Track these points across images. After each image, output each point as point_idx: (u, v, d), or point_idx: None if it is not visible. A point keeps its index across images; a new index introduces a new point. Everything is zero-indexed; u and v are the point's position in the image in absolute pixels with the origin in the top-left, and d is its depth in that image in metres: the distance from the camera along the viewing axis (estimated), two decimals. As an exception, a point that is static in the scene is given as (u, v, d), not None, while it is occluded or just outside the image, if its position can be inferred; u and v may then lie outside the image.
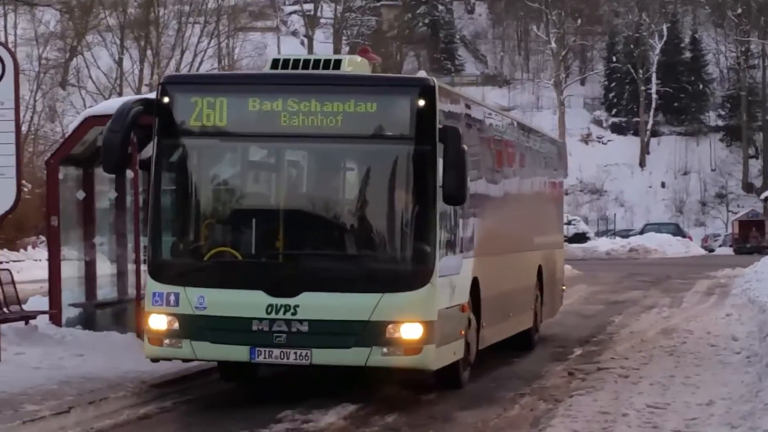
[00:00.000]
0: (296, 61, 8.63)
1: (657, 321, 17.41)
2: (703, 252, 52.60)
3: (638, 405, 8.64)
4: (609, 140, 78.13)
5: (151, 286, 7.96)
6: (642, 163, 75.76)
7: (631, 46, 76.99)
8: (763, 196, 69.69)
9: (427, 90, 7.77)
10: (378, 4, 75.93)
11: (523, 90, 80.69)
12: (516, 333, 12.03)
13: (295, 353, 7.60)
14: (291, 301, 7.48)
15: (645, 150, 75.53)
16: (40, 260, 23.31)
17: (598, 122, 79.04)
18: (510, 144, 12.00)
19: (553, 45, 74.97)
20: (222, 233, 8.31)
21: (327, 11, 74.31)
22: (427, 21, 78.49)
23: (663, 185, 75.14)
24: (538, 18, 77.33)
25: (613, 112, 78.81)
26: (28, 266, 22.39)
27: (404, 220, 7.90)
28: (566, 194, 69.18)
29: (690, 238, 55.05)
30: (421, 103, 7.63)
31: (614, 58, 78.53)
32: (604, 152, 75.46)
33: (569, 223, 52.34)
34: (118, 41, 52.77)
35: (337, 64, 8.56)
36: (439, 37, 78.81)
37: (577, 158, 71.77)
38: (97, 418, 7.69)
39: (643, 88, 74.63)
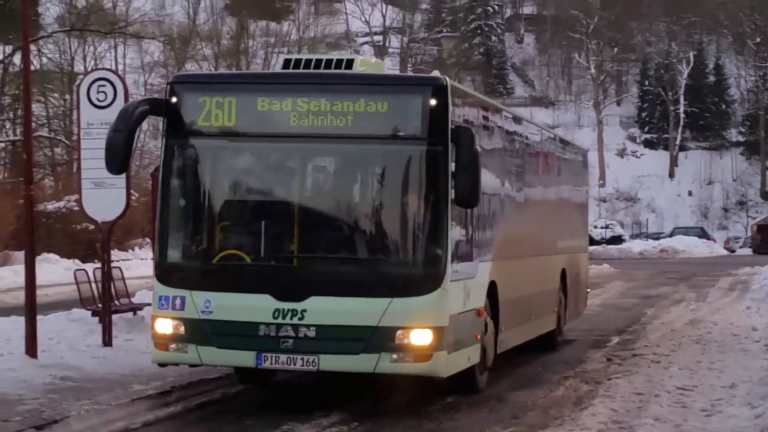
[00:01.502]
0: (308, 61, 7.16)
1: (685, 313, 16.36)
2: (725, 252, 49.69)
3: (669, 387, 8.18)
4: (642, 154, 75.60)
5: (157, 289, 6.58)
6: (671, 174, 73.37)
7: (662, 71, 74.63)
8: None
9: (439, 89, 6.34)
10: (439, 35, 75.61)
11: (566, 110, 79.49)
12: (539, 335, 10.29)
13: (302, 359, 6.23)
14: (298, 306, 6.16)
15: (674, 163, 73.15)
16: (146, 259, 23.22)
17: (632, 138, 77.13)
18: (531, 147, 10.16)
19: (593, 70, 73.39)
20: (229, 236, 6.84)
21: (394, 42, 74.38)
22: (481, 50, 77.65)
23: (690, 194, 72.15)
24: (580, 47, 76.16)
25: (646, 129, 76.39)
26: (136, 264, 22.25)
27: (415, 223, 6.42)
28: (604, 202, 69.56)
29: (714, 240, 52.28)
30: (433, 102, 6.24)
31: (647, 82, 76.30)
32: (638, 165, 73.79)
33: (607, 227, 50.02)
34: (212, 69, 53.18)
35: (350, 63, 7.03)
36: (492, 64, 77.94)
37: (613, 170, 71.80)
38: (196, 396, 7.35)
39: (672, 108, 71.90)
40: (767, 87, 74.31)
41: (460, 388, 7.27)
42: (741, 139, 75.80)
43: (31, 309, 8.29)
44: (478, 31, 79.14)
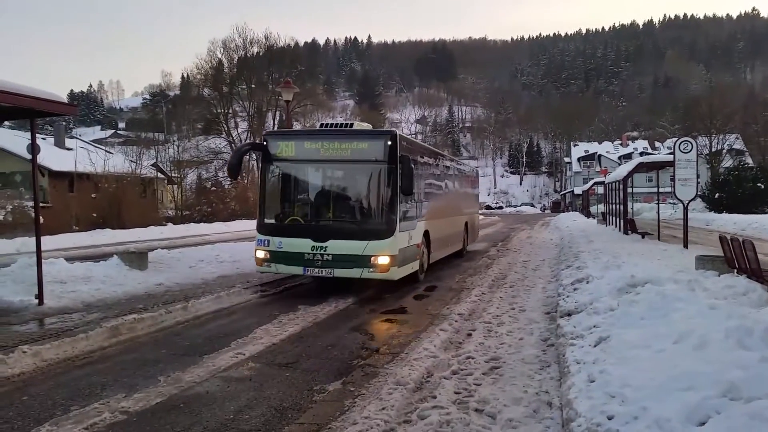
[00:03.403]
0: (331, 124, 12.18)
1: (525, 234, 29.19)
2: (540, 212, 70.88)
3: (521, 260, 17.51)
4: (509, 176, 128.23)
5: (258, 236, 11.18)
6: (521, 183, 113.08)
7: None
8: None
9: (393, 136, 10.82)
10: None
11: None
12: (455, 252, 17.28)
13: (326, 271, 10.60)
14: (323, 244, 10.57)
15: (522, 178, 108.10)
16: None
17: (506, 170, 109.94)
18: (447, 167, 16.60)
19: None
20: (291, 209, 11.45)
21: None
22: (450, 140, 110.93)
23: (527, 190, 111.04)
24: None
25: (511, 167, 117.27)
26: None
27: (382, 204, 10.87)
28: (495, 194, 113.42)
29: (536, 207, 77.43)
30: (390, 143, 10.64)
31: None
32: (507, 180, 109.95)
33: (497, 204, 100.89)
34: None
35: (351, 125, 11.80)
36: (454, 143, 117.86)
37: (500, 181, 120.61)
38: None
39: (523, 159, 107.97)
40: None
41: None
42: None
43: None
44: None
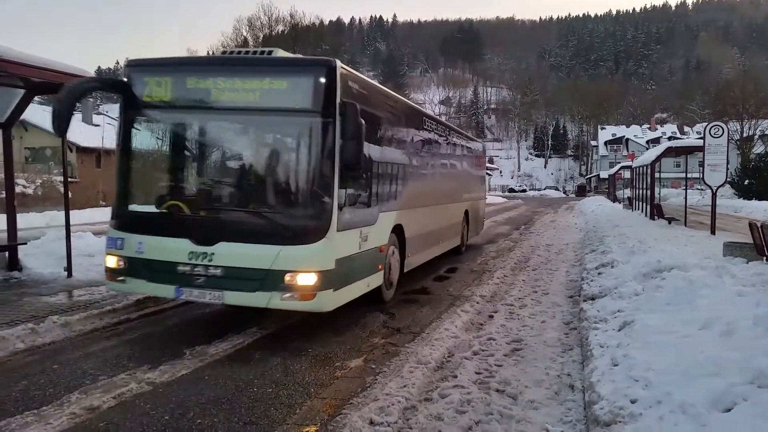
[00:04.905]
0: (238, 51, 7.60)
1: (549, 217, 29.38)
2: (564, 195, 70.77)
3: (542, 243, 17.37)
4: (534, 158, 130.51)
5: (108, 233, 7.05)
6: (545, 167, 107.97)
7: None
8: None
9: (329, 70, 6.50)
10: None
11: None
12: (448, 249, 13.27)
13: (211, 294, 6.47)
14: (208, 249, 6.43)
15: (546, 162, 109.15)
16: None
17: (530, 153, 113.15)
18: (433, 134, 11.60)
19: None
20: (157, 191, 7.21)
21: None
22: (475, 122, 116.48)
23: (552, 174, 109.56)
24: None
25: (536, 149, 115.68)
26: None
27: (305, 183, 6.65)
28: (519, 176, 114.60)
29: (560, 190, 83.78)
30: (323, 80, 6.44)
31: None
32: (532, 163, 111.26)
33: (522, 187, 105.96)
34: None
35: (270, 53, 7.10)
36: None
37: (524, 164, 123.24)
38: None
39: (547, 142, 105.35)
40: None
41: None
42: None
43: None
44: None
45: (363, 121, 6.51)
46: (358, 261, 7.24)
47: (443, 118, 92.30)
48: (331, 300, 6.55)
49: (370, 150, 7.52)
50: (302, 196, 6.63)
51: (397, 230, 8.88)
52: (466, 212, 15.10)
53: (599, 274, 9.85)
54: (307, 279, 6.27)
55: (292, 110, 6.52)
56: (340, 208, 6.57)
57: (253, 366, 5.69)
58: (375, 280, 7.91)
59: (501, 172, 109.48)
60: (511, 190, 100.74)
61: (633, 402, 4.00)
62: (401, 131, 9.34)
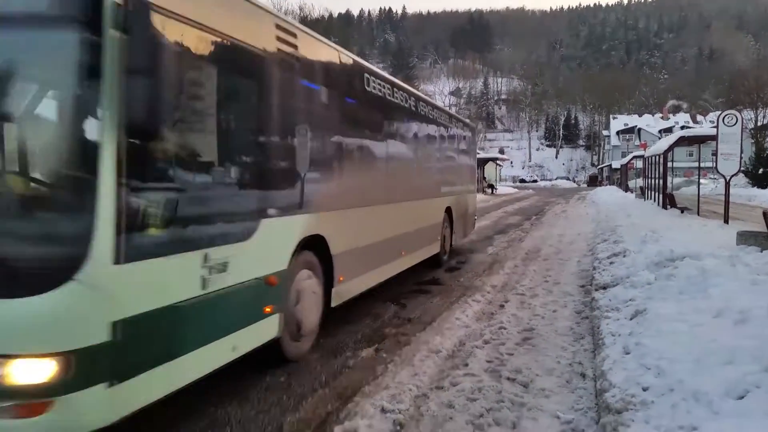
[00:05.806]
0: None
1: (561, 207, 29.32)
2: (575, 186, 69.29)
3: (553, 234, 17.34)
4: (545, 149, 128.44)
5: None
6: (557, 157, 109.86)
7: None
8: None
9: None
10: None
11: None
12: (420, 260, 9.73)
13: None
14: None
15: (558, 151, 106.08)
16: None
17: (541, 143, 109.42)
18: (391, 100, 8.19)
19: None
20: None
21: None
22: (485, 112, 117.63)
23: (563, 164, 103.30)
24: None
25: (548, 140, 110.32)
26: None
27: (35, 169, 3.34)
28: (530, 167, 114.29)
29: (572, 180, 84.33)
30: None
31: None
32: (542, 153, 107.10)
33: (533, 178, 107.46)
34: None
35: None
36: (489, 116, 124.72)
37: (534, 155, 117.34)
38: None
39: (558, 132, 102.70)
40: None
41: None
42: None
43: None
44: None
45: (167, 42, 3.44)
46: (199, 312, 3.93)
47: (453, 110, 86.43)
48: (105, 405, 3.21)
49: (238, 107, 4.51)
50: (38, 199, 3.35)
51: (316, 244, 5.72)
52: (449, 210, 11.56)
53: (611, 263, 9.80)
54: (31, 370, 3.04)
55: (10, 18, 3.27)
56: (130, 214, 3.29)
57: (265, 355, 5.70)
58: (256, 335, 4.70)
59: (512, 163, 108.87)
60: (522, 181, 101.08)
61: (645, 390, 3.98)
62: (316, 91, 5.91)
